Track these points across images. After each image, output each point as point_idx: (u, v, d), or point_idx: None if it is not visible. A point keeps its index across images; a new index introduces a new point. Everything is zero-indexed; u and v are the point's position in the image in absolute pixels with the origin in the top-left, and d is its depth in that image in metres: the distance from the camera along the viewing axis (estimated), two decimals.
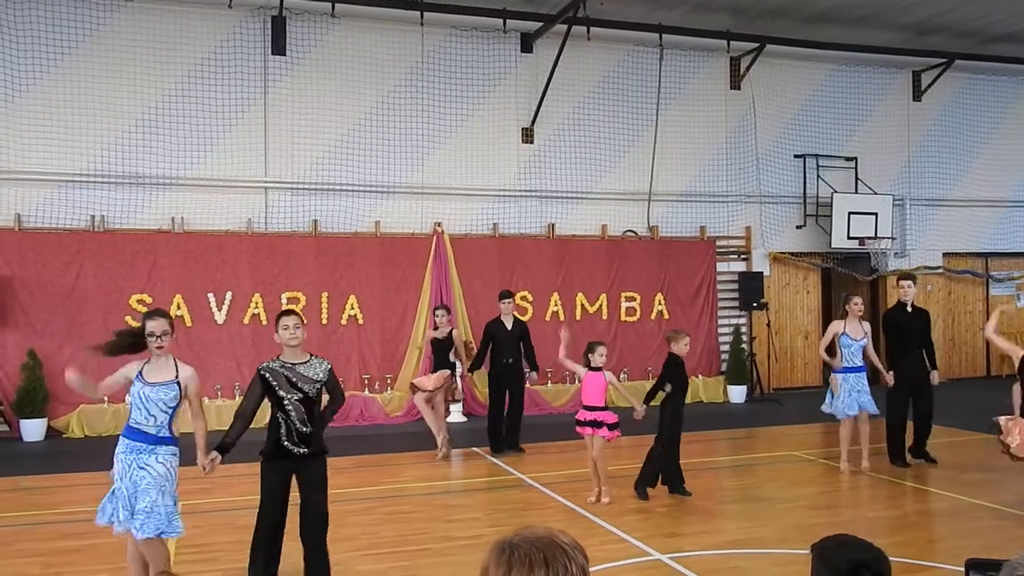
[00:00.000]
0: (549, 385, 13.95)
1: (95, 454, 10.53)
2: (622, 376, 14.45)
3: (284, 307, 12.76)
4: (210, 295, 12.62)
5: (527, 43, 14.48)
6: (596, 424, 7.67)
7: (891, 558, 5.60)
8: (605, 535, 6.73)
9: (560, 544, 1.81)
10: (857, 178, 16.56)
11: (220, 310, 12.66)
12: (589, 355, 7.88)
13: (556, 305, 14.29)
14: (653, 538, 6.59)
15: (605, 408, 7.78)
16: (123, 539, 6.73)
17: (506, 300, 10.44)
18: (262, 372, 5.46)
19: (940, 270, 17.24)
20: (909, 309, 9.27)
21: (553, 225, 14.58)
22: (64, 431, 11.80)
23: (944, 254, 17.35)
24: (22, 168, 12.03)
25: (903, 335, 9.30)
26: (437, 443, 10.00)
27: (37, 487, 8.87)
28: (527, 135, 14.53)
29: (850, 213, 15.94)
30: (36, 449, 11.13)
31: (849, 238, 15.93)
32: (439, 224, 13.76)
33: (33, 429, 11.51)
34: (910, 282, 9.31)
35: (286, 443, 5.39)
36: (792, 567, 5.88)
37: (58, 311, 12.02)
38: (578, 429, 7.95)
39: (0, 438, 11.51)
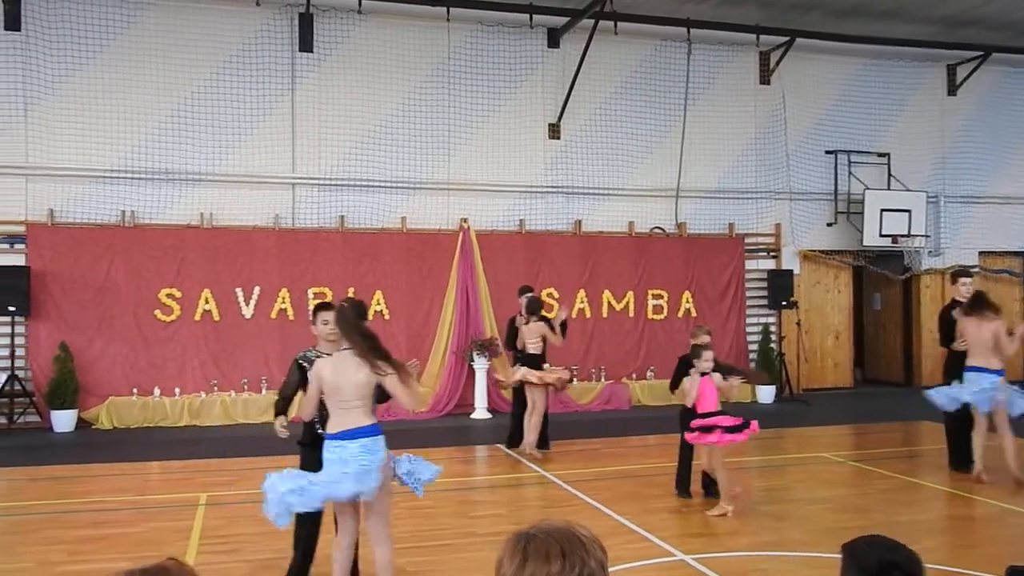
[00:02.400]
0: (575, 383, 13.83)
1: (123, 445, 10.69)
2: (649, 374, 14.36)
3: (312, 302, 12.81)
4: (238, 290, 12.69)
5: (554, 38, 14.39)
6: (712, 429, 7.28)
7: (924, 564, 5.48)
8: (628, 534, 6.65)
9: (579, 536, 1.75)
10: (890, 174, 16.28)
11: (248, 305, 12.72)
12: (695, 361, 7.41)
13: (582, 302, 14.20)
14: (678, 538, 6.50)
15: (723, 412, 7.35)
16: (143, 530, 6.82)
17: (527, 295, 10.28)
18: (299, 361, 5.48)
19: (976, 269, 16.88)
20: None
21: (580, 221, 14.49)
22: (93, 422, 11.92)
23: (980, 253, 17.00)
24: (54, 164, 12.17)
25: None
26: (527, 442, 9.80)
27: (66, 476, 8.94)
28: (554, 131, 14.44)
29: (882, 210, 15.67)
30: (66, 440, 11.27)
31: (881, 236, 15.65)
32: (465, 220, 13.73)
33: (63, 420, 11.65)
34: (970, 279, 8.94)
35: (320, 431, 5.35)
36: (821, 571, 5.77)
37: (89, 305, 12.15)
38: (703, 440, 7.33)
39: (32, 429, 11.66)
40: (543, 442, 9.93)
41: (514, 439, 10.10)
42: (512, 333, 10.12)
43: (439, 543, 6.45)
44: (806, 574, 5.81)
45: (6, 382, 11.51)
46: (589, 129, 14.64)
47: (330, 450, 4.83)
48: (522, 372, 9.61)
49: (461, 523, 7.03)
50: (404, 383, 4.88)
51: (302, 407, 5.08)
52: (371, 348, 4.84)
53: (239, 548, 6.27)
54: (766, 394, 14.60)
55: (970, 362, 8.28)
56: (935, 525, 7.17)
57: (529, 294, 10.21)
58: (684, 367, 7.67)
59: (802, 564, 5.92)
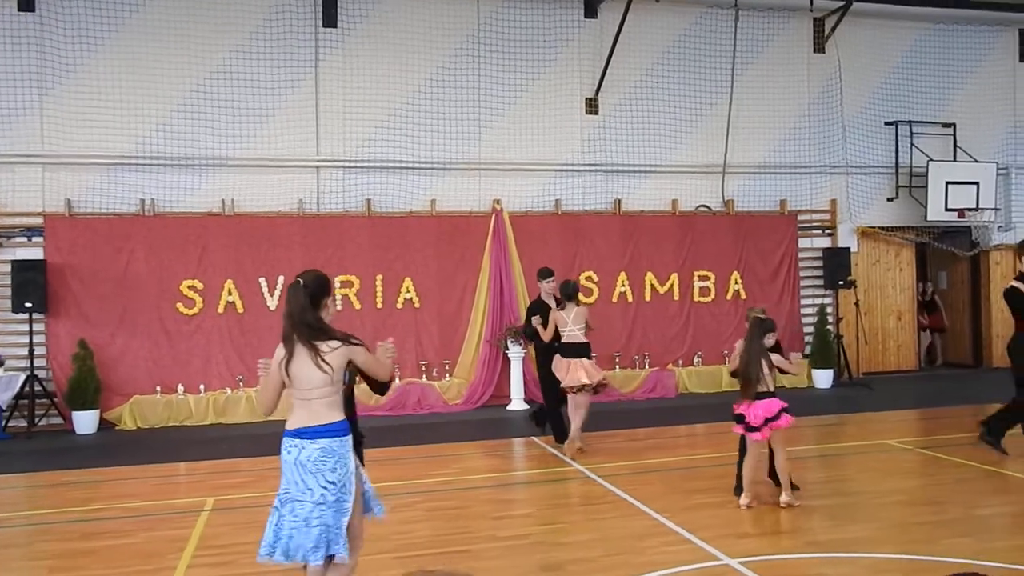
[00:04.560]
0: (617, 370, 13.09)
1: (144, 447, 10.23)
2: (696, 360, 13.52)
3: (338, 291, 12.28)
4: (262, 280, 12.18)
5: (591, 7, 13.60)
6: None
7: (1011, 565, 4.63)
8: (667, 534, 5.90)
9: None
10: (956, 146, 15.18)
11: (272, 295, 12.20)
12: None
13: (623, 286, 13.43)
14: (722, 539, 5.73)
15: (773, 395, 6.58)
16: (137, 541, 6.27)
17: (549, 280, 9.45)
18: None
19: None
20: None
21: (620, 201, 13.69)
22: (117, 423, 11.49)
23: None
24: (70, 152, 11.75)
25: None
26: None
27: (75, 482, 8.47)
28: (591, 106, 13.66)
29: (948, 183, 14.59)
30: (87, 442, 10.81)
31: (947, 210, 14.59)
32: (498, 201, 13.03)
33: (85, 421, 11.22)
34: None
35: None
36: (890, 575, 4.97)
37: (109, 299, 11.73)
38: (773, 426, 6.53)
39: (54, 431, 11.28)
40: (561, 434, 9.19)
41: (560, 434, 9.34)
42: (532, 319, 9.26)
43: (457, 549, 5.77)
44: None
45: (25, 383, 11.11)
46: (629, 103, 13.83)
47: (286, 449, 4.15)
48: (584, 372, 8.66)
49: (485, 526, 6.34)
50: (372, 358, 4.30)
51: (260, 397, 4.33)
52: (312, 334, 4.14)
53: (235, 560, 5.66)
54: (823, 379, 13.66)
55: None
56: (1020, 519, 6.27)
57: (550, 277, 9.38)
58: None
59: (868, 568, 5.11)
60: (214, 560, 5.69)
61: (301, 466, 4.09)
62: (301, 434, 4.12)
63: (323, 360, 4.10)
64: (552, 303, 9.24)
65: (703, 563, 5.27)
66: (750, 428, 6.51)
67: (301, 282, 4.25)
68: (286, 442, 4.15)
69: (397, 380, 12.23)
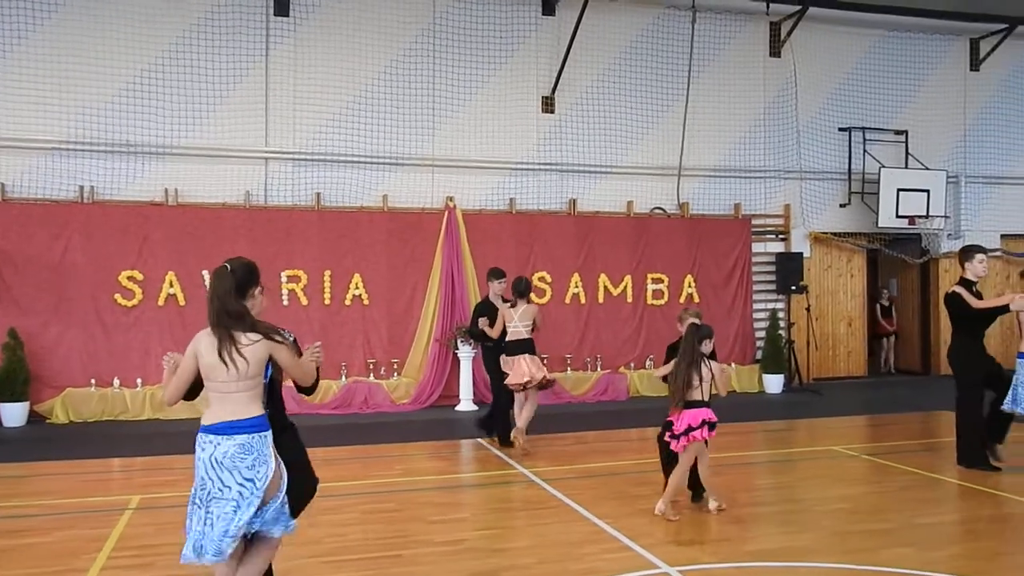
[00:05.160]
0: (569, 372, 12.96)
1: (75, 441, 9.85)
2: (648, 363, 13.43)
3: (285, 286, 12.01)
4: (205, 272, 11.76)
5: (549, 4, 13.47)
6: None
7: (947, 574, 4.54)
8: (607, 541, 5.75)
9: None
10: (907, 153, 15.31)
11: None
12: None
13: (577, 287, 13.30)
14: (663, 546, 5.59)
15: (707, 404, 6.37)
16: (52, 540, 5.96)
17: (499, 280, 9.31)
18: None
19: (998, 253, 15.86)
20: (974, 289, 7.93)
21: (575, 201, 13.56)
22: (48, 416, 11.09)
23: (1002, 236, 16.00)
24: (6, 135, 11.32)
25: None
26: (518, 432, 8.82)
27: (5, 476, 8.11)
28: (547, 104, 13.52)
29: (899, 190, 14.71)
30: (14, 435, 10.40)
31: (898, 217, 14.71)
32: (451, 199, 12.83)
33: (13, 413, 10.82)
34: (986, 256, 7.91)
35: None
36: None
37: (44, 287, 11.31)
38: (691, 437, 6.28)
39: None
40: (506, 437, 9.00)
41: (504, 435, 9.14)
42: (479, 320, 9.13)
43: (389, 554, 5.56)
44: None
45: None
46: (585, 102, 13.71)
47: (200, 446, 3.91)
48: (527, 368, 8.55)
49: (420, 529, 6.12)
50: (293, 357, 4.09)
51: (168, 387, 4.09)
52: (232, 323, 3.92)
53: (153, 562, 5.39)
54: (774, 383, 13.67)
55: None
56: (961, 528, 6.23)
57: (501, 278, 9.26)
58: (673, 355, 6.77)
59: None
60: (131, 562, 5.42)
61: (217, 463, 3.86)
62: (217, 430, 3.89)
63: (238, 353, 3.88)
64: (499, 304, 9.08)
65: (641, 571, 5.13)
66: (675, 436, 6.34)
67: (228, 268, 4.05)
68: (200, 438, 3.93)
69: (343, 381, 11.97)
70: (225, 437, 3.87)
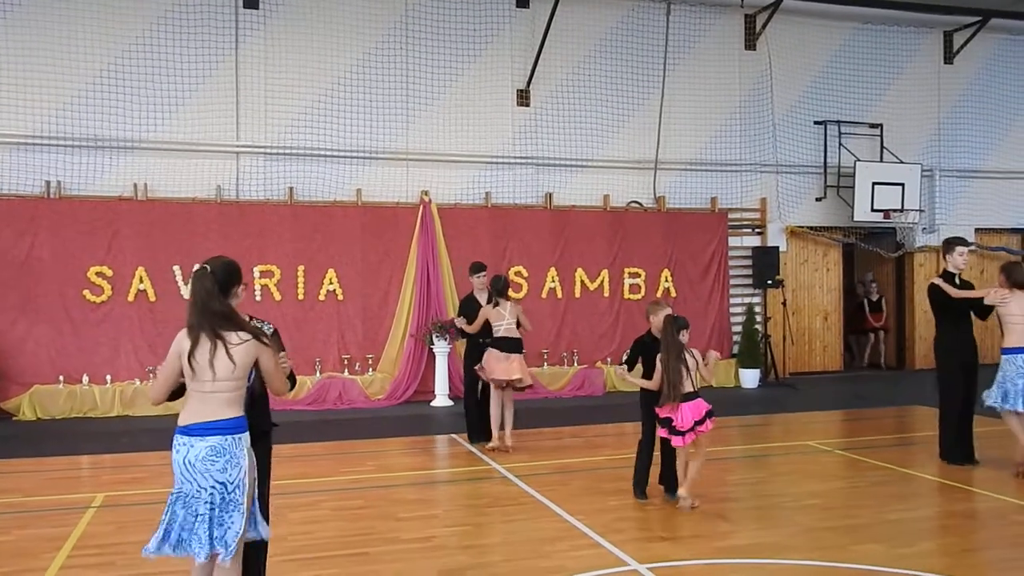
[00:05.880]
0: (545, 367, 12.89)
1: (42, 439, 9.69)
2: (625, 358, 13.35)
3: (258, 282, 11.86)
4: (176, 268, 11.69)
5: None
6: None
7: (917, 572, 4.51)
8: (577, 538, 5.69)
9: None
10: (883, 146, 15.35)
11: (187, 284, 11.67)
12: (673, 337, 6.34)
13: (553, 281, 13.24)
14: (633, 543, 5.54)
15: (698, 395, 6.37)
16: (11, 539, 5.84)
17: (480, 274, 9.21)
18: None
19: (972, 247, 15.83)
20: (957, 281, 7.93)
21: (551, 195, 13.49)
22: (15, 413, 10.92)
23: (977, 230, 16.08)
24: None
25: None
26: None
27: None
28: (522, 97, 13.44)
29: (874, 184, 14.75)
30: None
31: (873, 210, 14.75)
32: (426, 193, 12.73)
33: None
34: (967, 249, 7.87)
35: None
36: None
37: (10, 284, 11.13)
38: (698, 431, 6.27)
39: None
40: (487, 434, 8.89)
41: (478, 432, 9.05)
42: (456, 320, 9.05)
43: (355, 551, 5.48)
44: None
45: None
46: (561, 96, 13.64)
47: (175, 448, 3.83)
48: (517, 368, 8.50)
49: (389, 527, 6.04)
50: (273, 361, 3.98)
51: (153, 385, 4.03)
52: (220, 323, 3.84)
53: (113, 561, 5.28)
54: (750, 378, 13.68)
55: (1015, 343, 7.36)
56: (931, 524, 6.22)
57: (482, 272, 9.16)
58: (641, 350, 6.73)
59: (774, 575, 4.97)
60: (91, 560, 5.32)
61: (190, 465, 3.78)
62: (191, 431, 3.81)
63: (227, 353, 3.80)
64: (483, 299, 8.98)
65: (610, 568, 5.07)
66: (675, 432, 6.29)
67: (208, 268, 3.93)
68: (176, 439, 3.84)
69: (317, 377, 11.85)
70: (198, 439, 3.79)
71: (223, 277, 3.97)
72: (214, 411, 3.82)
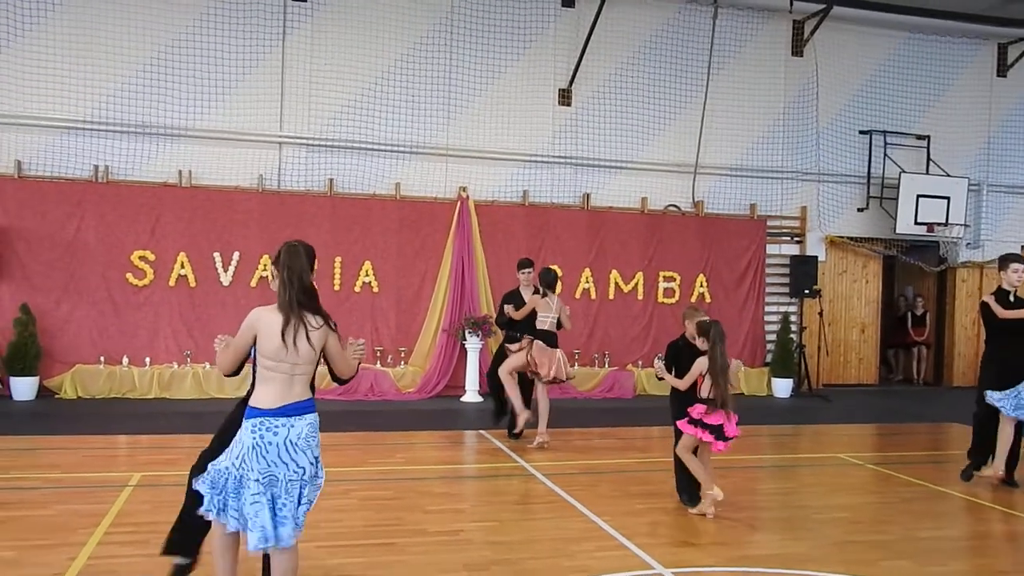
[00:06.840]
0: (576, 368, 12.84)
1: (82, 417, 9.90)
2: (656, 362, 13.29)
3: None
4: (216, 254, 11.84)
5: None
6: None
7: None
8: (604, 539, 5.70)
9: None
10: (929, 158, 15.11)
11: (227, 271, 11.88)
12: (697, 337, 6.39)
13: (587, 282, 13.22)
14: (659, 547, 5.54)
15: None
16: (50, 513, 5.98)
17: (527, 270, 9.25)
18: None
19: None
20: (1012, 299, 7.76)
21: (588, 195, 13.47)
22: (57, 391, 11.15)
23: (1023, 247, 15.76)
24: (23, 112, 11.36)
25: None
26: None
27: (9, 448, 8.12)
28: (564, 97, 13.43)
29: (919, 196, 14.52)
30: (24, 409, 10.48)
31: (917, 223, 14.51)
32: (464, 189, 12.78)
33: (24, 387, 10.89)
34: (1022, 266, 7.59)
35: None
36: None
37: (56, 265, 11.37)
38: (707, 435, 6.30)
39: None
40: (503, 415, 9.01)
41: (503, 414, 9.17)
42: (504, 307, 9.07)
43: (382, 541, 5.54)
44: None
45: None
46: (602, 96, 13.61)
47: (271, 430, 3.80)
48: (560, 364, 8.65)
49: (416, 519, 6.10)
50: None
51: (222, 358, 4.01)
52: (309, 304, 3.92)
53: (148, 540, 5.37)
54: (782, 388, 13.56)
55: None
56: (963, 544, 6.13)
57: (529, 268, 9.19)
58: (676, 352, 6.72)
59: None
60: (127, 538, 5.44)
61: (292, 445, 3.83)
62: (287, 411, 3.85)
63: (307, 337, 3.87)
64: (527, 295, 9.02)
65: (634, 571, 5.08)
66: (722, 437, 6.28)
67: (300, 246, 3.98)
68: (268, 422, 3.81)
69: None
70: (296, 418, 3.86)
71: (310, 257, 4.03)
72: (302, 391, 3.92)
